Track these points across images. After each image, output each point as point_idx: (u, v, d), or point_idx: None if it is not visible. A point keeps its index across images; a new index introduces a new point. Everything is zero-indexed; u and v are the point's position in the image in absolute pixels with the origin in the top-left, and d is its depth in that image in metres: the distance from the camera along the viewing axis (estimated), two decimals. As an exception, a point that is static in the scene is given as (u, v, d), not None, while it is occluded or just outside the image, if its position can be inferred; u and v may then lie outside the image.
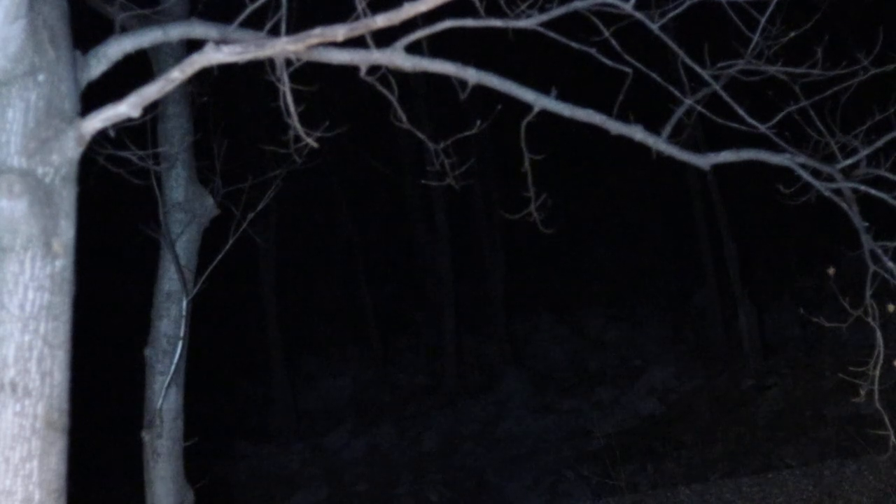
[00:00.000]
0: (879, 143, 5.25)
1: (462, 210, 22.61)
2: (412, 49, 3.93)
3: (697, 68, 5.09)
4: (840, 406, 15.17)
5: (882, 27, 6.65)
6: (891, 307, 5.82)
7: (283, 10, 3.76)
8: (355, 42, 3.75)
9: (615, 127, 4.58)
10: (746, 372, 17.82)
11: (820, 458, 14.06)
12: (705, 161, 4.90)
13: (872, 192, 5.03)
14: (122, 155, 5.80)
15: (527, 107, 4.41)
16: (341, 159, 21.83)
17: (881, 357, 5.39)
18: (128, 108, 3.63)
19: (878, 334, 5.29)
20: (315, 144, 4.07)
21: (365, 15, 3.70)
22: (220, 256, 7.49)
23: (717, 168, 5.17)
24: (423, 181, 19.21)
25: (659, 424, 17.51)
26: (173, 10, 6.91)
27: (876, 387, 5.43)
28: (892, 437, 5.79)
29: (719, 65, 5.25)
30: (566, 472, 16.67)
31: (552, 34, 4.62)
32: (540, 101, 4.35)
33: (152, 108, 6.39)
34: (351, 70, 3.93)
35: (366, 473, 18.45)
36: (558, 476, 16.68)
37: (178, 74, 3.62)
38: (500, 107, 5.26)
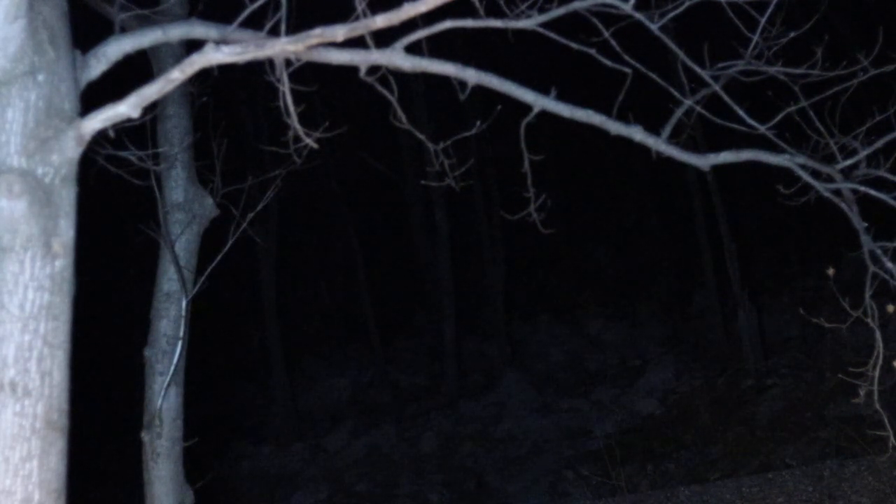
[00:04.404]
0: (879, 144, 5.25)
1: (462, 210, 22.62)
2: (412, 49, 3.93)
3: (697, 69, 5.09)
4: (840, 406, 15.17)
5: (882, 27, 6.65)
6: (890, 308, 5.82)
7: (283, 10, 3.76)
8: (355, 42, 3.75)
9: (615, 127, 4.58)
10: (746, 372, 17.82)
11: (820, 459, 14.06)
12: (705, 161, 4.90)
13: (872, 192, 5.03)
14: (121, 155, 5.80)
15: (527, 107, 4.41)
16: (341, 159, 21.84)
17: (881, 358, 5.39)
18: (128, 108, 3.63)
19: (878, 335, 5.29)
20: (315, 145, 4.07)
21: (365, 15, 3.70)
22: (220, 256, 7.49)
23: (717, 168, 5.17)
24: (423, 181, 19.25)
25: (659, 424, 17.52)
26: (173, 10, 6.91)
27: (875, 387, 5.43)
28: (892, 438, 5.79)
29: (719, 65, 5.25)
30: (566, 472, 16.67)
31: (552, 34, 4.62)
32: (540, 102, 4.35)
33: (152, 108, 6.39)
34: (351, 70, 3.93)
35: (366, 473, 18.45)
36: (558, 476, 16.68)
37: (178, 74, 3.62)
38: (499, 107, 5.26)
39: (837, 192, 5.02)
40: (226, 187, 7.59)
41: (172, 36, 4.10)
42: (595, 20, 4.86)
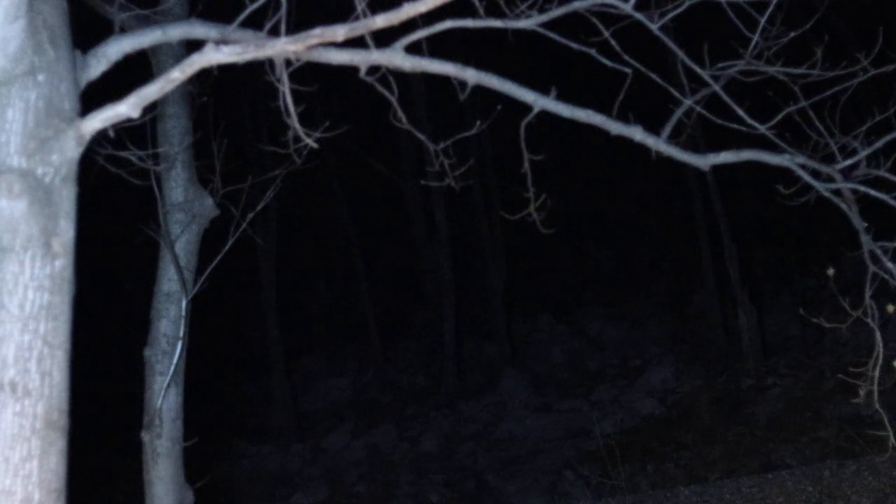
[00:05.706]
0: (879, 144, 5.25)
1: (462, 210, 22.63)
2: (412, 49, 3.93)
3: (697, 69, 5.09)
4: (840, 406, 15.17)
5: (882, 27, 6.65)
6: (890, 308, 5.82)
7: (283, 10, 3.76)
8: (355, 42, 3.75)
9: (615, 127, 4.58)
10: (746, 372, 17.82)
11: (820, 459, 14.06)
12: (705, 161, 4.90)
13: (872, 192, 5.03)
14: (121, 155, 5.79)
15: (527, 107, 4.41)
16: (341, 159, 21.85)
17: (880, 358, 5.38)
18: (128, 108, 3.63)
19: (878, 335, 5.29)
20: (315, 145, 4.07)
21: (365, 15, 3.70)
22: (220, 256, 7.49)
23: (717, 168, 5.17)
24: (423, 181, 19.25)
25: (658, 424, 17.51)
26: (173, 10, 6.91)
27: (875, 387, 5.43)
28: (892, 438, 5.79)
29: (719, 65, 5.25)
30: (566, 472, 16.66)
31: (552, 34, 4.62)
32: (540, 102, 4.35)
33: (152, 108, 6.39)
34: (351, 70, 3.93)
35: (366, 473, 18.45)
36: (558, 476, 16.68)
37: (178, 74, 3.62)
38: (499, 107, 5.26)
39: (837, 192, 5.02)
40: (226, 187, 7.59)
41: (172, 36, 4.10)
42: (595, 20, 4.86)
